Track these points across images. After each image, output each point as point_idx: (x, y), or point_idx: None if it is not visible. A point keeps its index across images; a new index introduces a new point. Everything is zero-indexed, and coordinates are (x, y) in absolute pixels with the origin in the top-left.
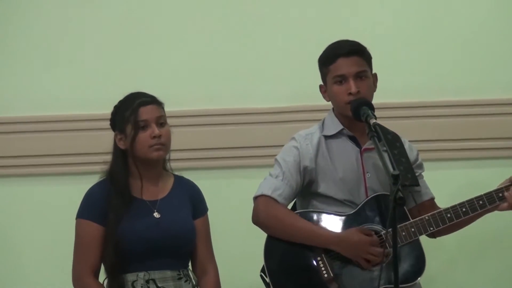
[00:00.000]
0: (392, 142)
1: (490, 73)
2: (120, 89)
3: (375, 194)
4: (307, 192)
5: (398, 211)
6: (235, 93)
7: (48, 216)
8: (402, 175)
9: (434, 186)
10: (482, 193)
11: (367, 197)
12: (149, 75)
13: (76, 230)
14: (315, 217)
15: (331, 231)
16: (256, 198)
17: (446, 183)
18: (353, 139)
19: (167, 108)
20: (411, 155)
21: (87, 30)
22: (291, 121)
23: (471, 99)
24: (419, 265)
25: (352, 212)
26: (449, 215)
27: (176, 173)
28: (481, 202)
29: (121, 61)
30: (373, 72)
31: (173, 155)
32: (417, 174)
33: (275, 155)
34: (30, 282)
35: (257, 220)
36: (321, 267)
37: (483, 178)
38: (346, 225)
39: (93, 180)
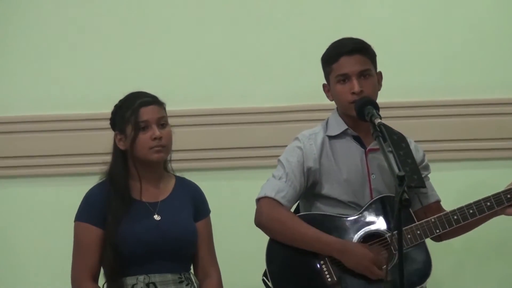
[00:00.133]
0: (398, 142)
1: (498, 71)
2: (120, 88)
3: (380, 196)
4: (311, 194)
5: (403, 213)
6: (235, 92)
7: (47, 218)
8: (408, 176)
9: (440, 188)
10: (490, 195)
11: (371, 199)
12: (149, 74)
13: (74, 233)
14: (318, 220)
15: (336, 239)
16: (258, 200)
17: (452, 185)
18: (357, 139)
19: (167, 108)
20: (417, 156)
21: (87, 29)
22: (294, 120)
23: (477, 98)
24: (425, 269)
25: (356, 214)
26: (455, 217)
27: (177, 174)
28: (488, 203)
29: (121, 59)
30: (378, 70)
31: (172, 156)
32: (423, 175)
33: (277, 156)
34: (29, 284)
35: (260, 222)
36: (325, 271)
37: (491, 179)
38: (350, 227)
39: (93, 181)
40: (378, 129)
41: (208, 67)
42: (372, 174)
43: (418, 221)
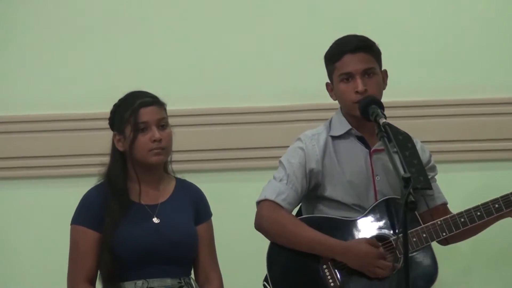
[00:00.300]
0: (403, 143)
1: (506, 70)
2: (119, 87)
3: (385, 198)
4: (313, 196)
5: (409, 215)
6: (235, 91)
7: (43, 220)
8: (414, 178)
9: (447, 190)
10: (498, 196)
11: (376, 201)
12: (149, 72)
13: (71, 237)
14: (320, 222)
15: (338, 241)
16: (259, 203)
17: (459, 186)
18: (361, 139)
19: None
20: (424, 157)
21: (86, 28)
22: (296, 120)
23: (486, 97)
24: (431, 273)
25: (360, 217)
26: (462, 219)
27: (178, 176)
28: (497, 205)
29: (120, 58)
30: (383, 68)
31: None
32: (429, 176)
33: (279, 157)
34: (26, 285)
35: (260, 226)
36: (327, 276)
37: (499, 181)
38: (354, 231)
39: (90, 183)
40: (383, 129)
41: (208, 65)
42: (377, 175)
43: (424, 224)
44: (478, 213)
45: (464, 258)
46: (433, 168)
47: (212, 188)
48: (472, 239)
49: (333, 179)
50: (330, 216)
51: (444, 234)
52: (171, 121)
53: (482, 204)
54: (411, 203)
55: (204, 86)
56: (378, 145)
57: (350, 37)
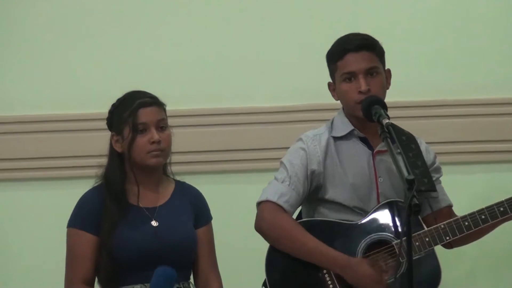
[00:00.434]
0: (407, 143)
1: None
2: (116, 87)
3: (387, 201)
4: (314, 198)
5: (411, 219)
6: (235, 91)
7: (39, 223)
8: (418, 180)
9: (452, 192)
10: (504, 199)
11: (378, 204)
12: (147, 72)
13: (67, 240)
14: (320, 226)
15: (340, 254)
16: (259, 204)
17: (465, 189)
18: (364, 140)
19: None
20: (428, 158)
21: (83, 27)
22: (297, 121)
23: (492, 97)
24: (434, 278)
25: (361, 220)
26: (467, 223)
27: (177, 178)
28: (502, 208)
29: (118, 58)
30: (386, 68)
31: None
32: (434, 178)
33: (279, 158)
34: None
35: (260, 228)
36: (328, 281)
37: (505, 183)
38: (355, 234)
39: (87, 184)
40: (386, 130)
41: (208, 65)
42: (380, 177)
43: (427, 228)
44: (483, 217)
45: (469, 262)
46: (438, 170)
47: (211, 190)
48: (477, 242)
49: (334, 181)
50: (330, 219)
51: (447, 238)
52: (170, 121)
53: (487, 207)
54: (415, 206)
55: (203, 86)
56: (381, 146)
57: (353, 35)
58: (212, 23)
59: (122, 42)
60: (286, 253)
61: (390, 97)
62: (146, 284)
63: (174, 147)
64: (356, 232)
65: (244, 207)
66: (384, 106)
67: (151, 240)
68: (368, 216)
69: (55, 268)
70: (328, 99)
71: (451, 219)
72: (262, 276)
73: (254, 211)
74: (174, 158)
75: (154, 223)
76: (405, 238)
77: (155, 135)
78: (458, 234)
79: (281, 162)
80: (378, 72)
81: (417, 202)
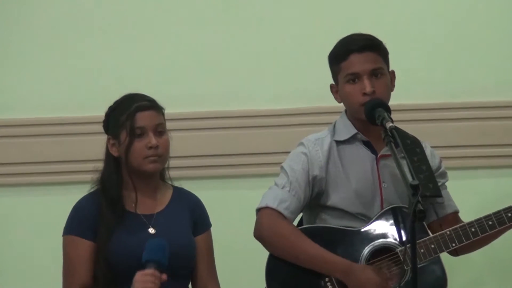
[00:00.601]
0: (412, 147)
1: None
2: (113, 89)
3: (391, 207)
4: (315, 204)
5: (416, 225)
6: (234, 94)
7: (32, 230)
8: (423, 185)
9: (457, 197)
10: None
11: (382, 210)
12: (142, 74)
13: (64, 248)
14: (322, 233)
15: (341, 259)
16: (259, 210)
17: (471, 194)
18: (368, 144)
19: None
20: (433, 163)
21: (77, 28)
22: (298, 124)
23: (499, 100)
24: (440, 286)
25: (364, 227)
26: (473, 229)
27: (176, 184)
28: (509, 214)
29: (114, 59)
30: (390, 69)
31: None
32: (439, 183)
33: (280, 163)
34: None
35: (260, 235)
36: None
37: None
38: (358, 241)
39: (82, 190)
40: (390, 134)
41: (207, 67)
42: (384, 182)
43: (432, 234)
44: (490, 223)
45: (476, 269)
46: (444, 175)
47: (210, 196)
48: (484, 248)
49: (337, 187)
50: (332, 226)
51: (453, 245)
52: (167, 125)
53: (494, 213)
54: (420, 212)
55: (202, 89)
56: (385, 151)
57: (356, 35)
58: (212, 24)
59: (119, 44)
60: (287, 261)
61: (394, 100)
62: None
63: (172, 152)
64: (359, 239)
65: (244, 214)
66: (388, 109)
67: None
68: (371, 223)
69: (50, 275)
70: (331, 102)
71: (457, 225)
72: (262, 284)
73: (254, 218)
74: (172, 162)
75: (151, 231)
76: (409, 245)
77: (152, 140)
78: (464, 240)
79: (282, 167)
80: (383, 73)
81: (421, 208)
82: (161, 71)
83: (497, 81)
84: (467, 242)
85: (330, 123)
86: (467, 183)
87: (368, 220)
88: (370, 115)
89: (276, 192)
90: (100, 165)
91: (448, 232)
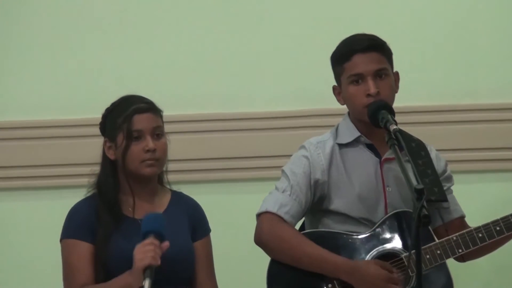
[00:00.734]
0: (416, 151)
1: None
2: (110, 91)
3: (395, 211)
4: (317, 209)
5: (422, 231)
6: (234, 95)
7: (27, 235)
8: (428, 189)
9: (464, 202)
10: None
11: (386, 214)
12: (142, 75)
13: (63, 253)
14: (325, 238)
15: (345, 259)
16: (259, 215)
17: (478, 198)
18: (371, 147)
19: None
20: (439, 166)
21: (72, 31)
22: (299, 127)
23: (506, 102)
24: None
25: (368, 232)
26: (480, 235)
27: (174, 188)
28: None
29: (110, 60)
30: (394, 70)
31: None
32: (445, 188)
33: (281, 166)
34: None
35: (260, 240)
36: None
37: None
38: (361, 247)
39: (78, 194)
40: (394, 137)
41: (206, 68)
42: (388, 187)
43: (438, 240)
44: (498, 228)
45: (483, 276)
46: (449, 179)
47: (209, 200)
48: (491, 254)
49: (339, 191)
50: (335, 231)
51: (460, 250)
52: (165, 127)
53: (501, 218)
54: (424, 217)
55: (201, 90)
56: (389, 154)
57: (360, 35)
58: (211, 24)
59: (116, 46)
60: (289, 266)
61: (398, 102)
62: None
63: (170, 155)
64: (362, 244)
65: (244, 219)
66: (392, 111)
67: None
68: (375, 228)
69: (46, 280)
70: (333, 104)
71: (464, 231)
72: None
73: (254, 223)
74: (170, 166)
75: None
76: (414, 250)
77: (150, 143)
78: (471, 246)
79: (283, 171)
80: (387, 74)
81: (426, 213)
82: (159, 72)
83: (504, 82)
84: (474, 248)
85: (332, 126)
86: (474, 187)
87: (372, 225)
88: (374, 117)
89: (277, 196)
90: (96, 169)
91: (454, 238)
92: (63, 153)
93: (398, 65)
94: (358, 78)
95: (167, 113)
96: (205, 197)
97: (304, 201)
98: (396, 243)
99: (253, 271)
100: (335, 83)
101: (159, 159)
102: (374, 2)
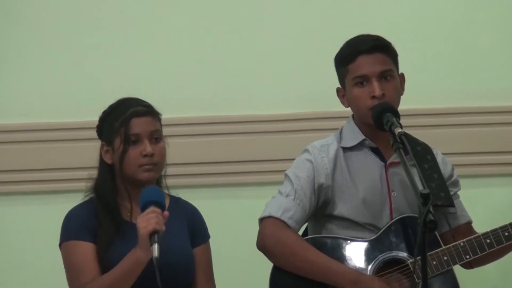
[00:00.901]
0: (422, 154)
1: None
2: (107, 93)
3: (401, 217)
4: (321, 214)
5: (428, 236)
6: (236, 98)
7: (23, 240)
8: (434, 194)
9: (471, 207)
10: None
11: (391, 220)
12: (140, 77)
13: (64, 255)
14: (329, 244)
15: (349, 269)
16: (262, 220)
17: (485, 203)
18: (376, 151)
19: None
20: (445, 170)
21: (69, 33)
22: (303, 130)
23: None
24: None
25: (373, 237)
26: (488, 240)
27: (173, 193)
28: None
29: (108, 62)
30: (400, 72)
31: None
32: (452, 192)
33: (284, 171)
34: None
35: (263, 246)
36: None
37: None
38: (366, 253)
39: (75, 199)
40: (399, 140)
41: (207, 69)
42: (393, 191)
43: (445, 246)
44: (506, 234)
45: (490, 283)
46: (456, 183)
47: (209, 205)
48: (499, 261)
49: (344, 196)
50: (340, 236)
51: (467, 257)
52: (164, 130)
53: (510, 224)
54: (430, 223)
55: (201, 92)
56: (394, 158)
57: (364, 36)
58: (212, 25)
59: (114, 48)
60: (291, 272)
61: (403, 104)
62: None
63: (169, 159)
64: (367, 250)
65: (245, 224)
66: (397, 114)
67: None
68: (380, 233)
69: (44, 284)
70: (337, 106)
71: (471, 237)
72: None
73: (256, 228)
74: (169, 170)
75: None
76: (420, 257)
77: (148, 147)
78: (479, 252)
79: (286, 175)
80: (393, 76)
81: (432, 218)
82: (158, 74)
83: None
84: (482, 254)
85: (336, 129)
86: (481, 191)
87: (377, 230)
88: (378, 120)
89: (280, 200)
90: (94, 173)
91: (461, 244)
92: (60, 157)
93: (403, 67)
94: (363, 80)
95: (166, 115)
96: (205, 202)
97: (308, 206)
98: (401, 249)
99: (253, 278)
100: (338, 85)
101: (157, 163)
102: (378, 4)
